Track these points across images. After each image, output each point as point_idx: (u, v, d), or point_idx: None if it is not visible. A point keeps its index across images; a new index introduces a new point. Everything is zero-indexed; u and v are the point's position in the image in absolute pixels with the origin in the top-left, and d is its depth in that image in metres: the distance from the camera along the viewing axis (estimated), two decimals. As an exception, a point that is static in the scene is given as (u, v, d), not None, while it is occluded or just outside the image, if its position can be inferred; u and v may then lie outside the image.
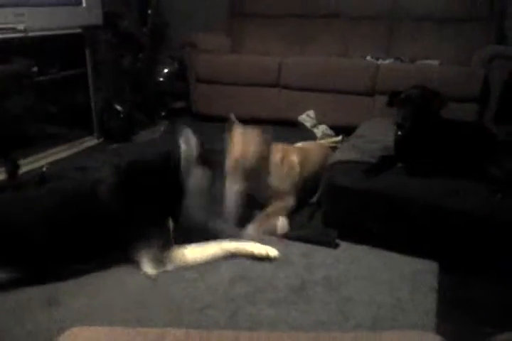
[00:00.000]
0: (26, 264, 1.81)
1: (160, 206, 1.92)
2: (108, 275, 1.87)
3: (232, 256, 1.98)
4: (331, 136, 3.39)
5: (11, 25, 2.87)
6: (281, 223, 2.17)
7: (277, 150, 2.35)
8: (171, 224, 1.95)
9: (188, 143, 1.96)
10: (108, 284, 1.83)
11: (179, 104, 4.46)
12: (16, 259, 1.79)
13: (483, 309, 1.78)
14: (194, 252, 1.93)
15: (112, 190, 1.86)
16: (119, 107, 3.77)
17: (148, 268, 1.87)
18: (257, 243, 2.03)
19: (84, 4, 3.41)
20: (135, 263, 1.89)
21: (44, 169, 2.88)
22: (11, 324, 1.61)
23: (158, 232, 1.90)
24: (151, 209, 1.90)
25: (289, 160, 2.37)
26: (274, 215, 2.21)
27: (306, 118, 3.63)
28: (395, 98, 2.21)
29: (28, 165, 3.10)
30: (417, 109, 2.13)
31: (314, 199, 2.46)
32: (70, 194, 1.91)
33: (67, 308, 1.69)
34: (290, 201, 2.30)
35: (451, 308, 1.76)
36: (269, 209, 2.24)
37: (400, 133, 2.19)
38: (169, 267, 1.88)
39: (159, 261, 1.86)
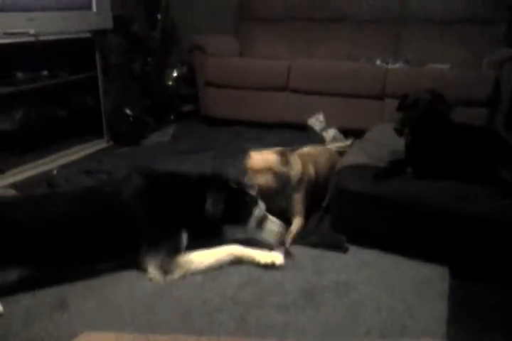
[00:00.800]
0: (40, 263, 1.81)
1: (177, 218, 1.96)
2: (118, 279, 1.88)
3: (238, 262, 1.97)
4: (340, 140, 3.38)
5: (22, 30, 2.89)
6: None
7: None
8: (185, 236, 1.95)
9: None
10: (118, 288, 1.83)
11: (188, 108, 4.46)
12: (31, 258, 1.79)
13: (494, 314, 1.77)
14: (200, 259, 1.92)
15: (137, 195, 1.92)
16: (128, 111, 3.79)
17: (154, 275, 1.86)
18: (264, 250, 2.02)
19: (94, 8, 3.43)
20: (142, 270, 1.90)
21: (54, 172, 2.90)
22: (20, 327, 1.61)
23: (168, 241, 1.90)
24: (167, 219, 1.93)
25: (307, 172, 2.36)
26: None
27: (315, 122, 3.62)
28: (404, 103, 2.20)
29: (38, 168, 3.13)
30: (422, 113, 2.13)
31: (324, 203, 2.45)
32: (94, 195, 1.99)
33: (76, 312, 1.69)
34: (300, 220, 2.27)
35: (461, 313, 1.74)
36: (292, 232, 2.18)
37: (409, 138, 2.18)
38: (175, 275, 1.87)
39: (165, 269, 1.86)
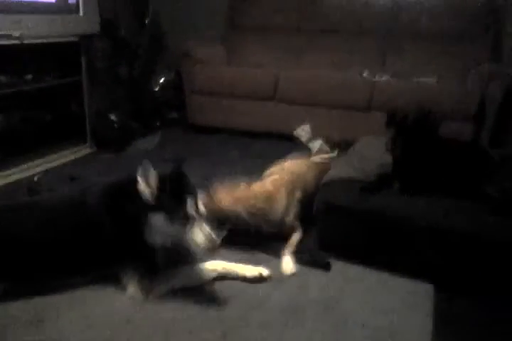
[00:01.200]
0: (14, 276, 1.76)
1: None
2: (96, 292, 1.82)
3: (223, 278, 1.92)
4: (326, 152, 3.36)
5: (6, 32, 2.84)
6: (287, 263, 2.05)
7: (273, 182, 2.30)
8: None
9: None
10: (96, 302, 1.77)
11: (174, 115, 4.42)
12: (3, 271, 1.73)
13: (481, 330, 1.75)
14: (182, 276, 1.86)
15: (102, 204, 1.79)
16: (113, 117, 3.73)
17: (134, 294, 1.79)
18: (248, 265, 1.98)
19: (81, 12, 3.39)
20: (122, 287, 1.82)
21: (35, 179, 2.84)
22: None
23: (144, 255, 1.80)
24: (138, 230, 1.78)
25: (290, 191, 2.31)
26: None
27: (302, 132, 3.60)
28: (393, 119, 2.20)
29: (20, 173, 3.06)
30: (411, 131, 2.13)
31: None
32: (61, 206, 1.87)
33: (52, 327, 1.63)
34: (299, 234, 2.24)
35: (447, 329, 1.72)
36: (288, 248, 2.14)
37: (396, 153, 2.18)
38: (156, 294, 1.80)
39: (146, 289, 1.78)
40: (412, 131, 2.13)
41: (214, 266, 1.93)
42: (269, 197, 2.19)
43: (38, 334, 1.60)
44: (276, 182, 2.31)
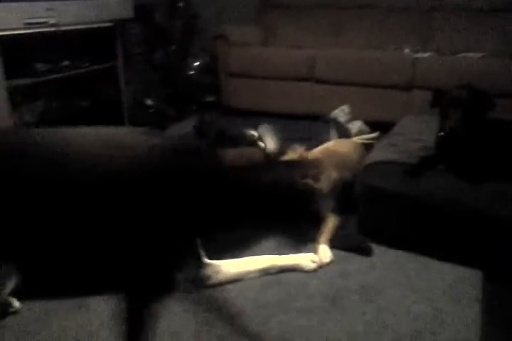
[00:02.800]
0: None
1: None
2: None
3: (276, 271, 1.86)
4: (366, 133, 3.26)
5: (42, 19, 2.85)
6: (324, 251, 1.98)
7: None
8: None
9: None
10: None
11: (210, 98, 4.39)
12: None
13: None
14: (234, 268, 1.80)
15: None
16: (149, 101, 3.74)
17: (185, 287, 1.74)
18: (299, 254, 1.94)
19: (115, -3, 3.37)
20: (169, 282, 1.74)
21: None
22: (38, 327, 1.58)
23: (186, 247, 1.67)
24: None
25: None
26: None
27: (340, 113, 3.50)
28: (439, 98, 2.08)
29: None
30: (466, 112, 2.00)
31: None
32: None
33: (95, 312, 1.65)
34: (335, 220, 2.17)
35: (496, 320, 1.64)
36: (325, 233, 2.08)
37: (441, 134, 2.07)
38: (209, 285, 1.75)
39: (197, 281, 1.73)
40: (468, 110, 2.00)
41: (266, 257, 1.88)
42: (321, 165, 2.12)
43: (81, 318, 1.62)
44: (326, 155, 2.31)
